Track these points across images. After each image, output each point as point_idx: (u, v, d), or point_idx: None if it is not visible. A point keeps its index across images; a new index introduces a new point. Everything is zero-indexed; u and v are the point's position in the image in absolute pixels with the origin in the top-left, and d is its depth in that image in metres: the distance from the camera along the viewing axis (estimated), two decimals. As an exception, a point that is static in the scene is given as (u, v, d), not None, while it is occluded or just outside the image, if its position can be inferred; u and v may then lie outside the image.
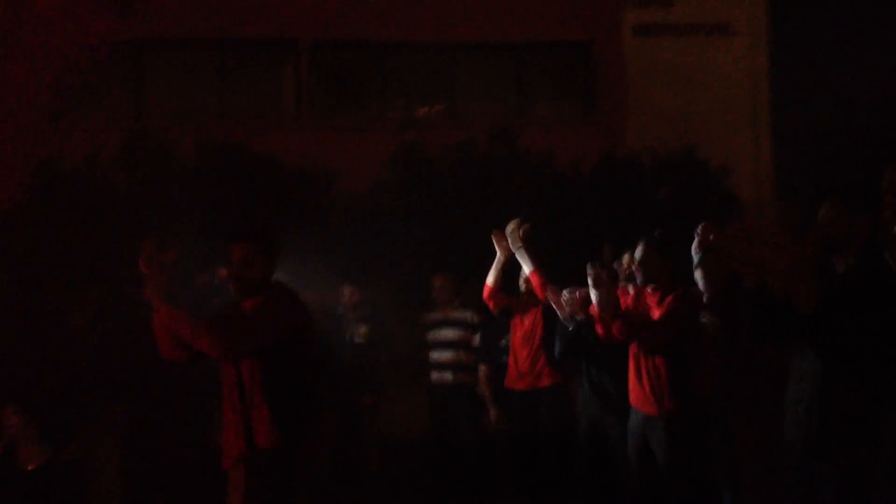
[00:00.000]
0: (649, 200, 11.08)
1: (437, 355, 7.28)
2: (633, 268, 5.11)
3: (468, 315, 7.27)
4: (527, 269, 6.07)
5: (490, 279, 6.43)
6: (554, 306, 5.49)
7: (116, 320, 6.32)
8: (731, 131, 13.78)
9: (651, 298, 5.01)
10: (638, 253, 5.03)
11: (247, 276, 4.02)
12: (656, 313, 4.92)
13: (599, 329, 4.96)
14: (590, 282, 4.91)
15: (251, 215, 9.96)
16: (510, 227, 6.07)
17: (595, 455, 5.62)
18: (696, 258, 4.61)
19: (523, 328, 6.42)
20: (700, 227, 4.62)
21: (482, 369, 7.03)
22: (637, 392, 4.95)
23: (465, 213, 10.21)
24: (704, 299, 4.64)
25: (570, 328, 5.42)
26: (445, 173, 11.21)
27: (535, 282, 5.98)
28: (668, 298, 4.88)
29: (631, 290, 5.19)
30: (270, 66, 14.58)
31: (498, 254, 6.25)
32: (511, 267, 6.41)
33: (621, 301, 5.06)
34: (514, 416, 6.63)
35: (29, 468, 5.52)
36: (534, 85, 14.78)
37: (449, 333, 7.27)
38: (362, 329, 7.86)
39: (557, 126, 13.78)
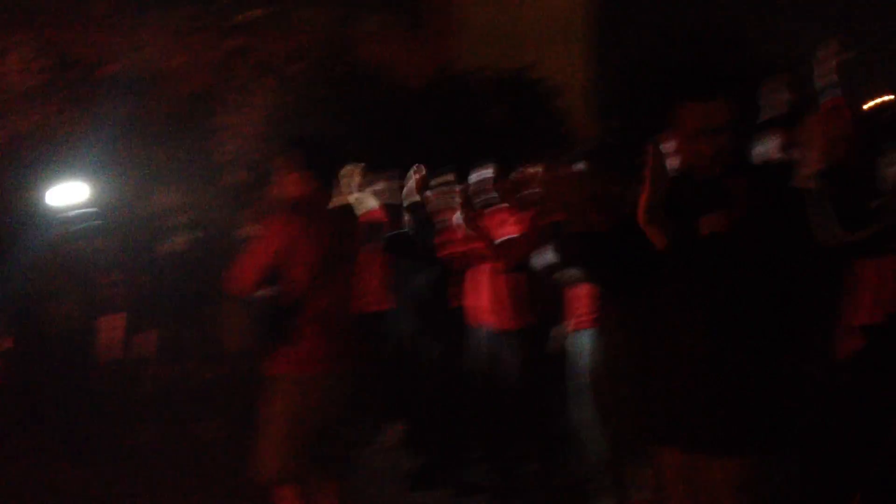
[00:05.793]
0: (482, 120, 11.13)
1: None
2: (485, 187, 5.09)
3: None
4: (372, 205, 5.96)
5: None
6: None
7: None
8: (560, 51, 13.94)
9: (505, 216, 5.01)
10: (486, 174, 5.04)
11: None
12: (512, 230, 4.91)
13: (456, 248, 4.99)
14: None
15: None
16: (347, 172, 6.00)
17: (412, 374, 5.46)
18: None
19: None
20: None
21: None
22: (489, 307, 4.96)
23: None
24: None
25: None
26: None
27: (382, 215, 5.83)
28: (525, 215, 4.89)
29: (486, 210, 5.16)
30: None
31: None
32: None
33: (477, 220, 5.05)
34: None
35: None
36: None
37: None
38: None
39: (388, 39, 13.54)
